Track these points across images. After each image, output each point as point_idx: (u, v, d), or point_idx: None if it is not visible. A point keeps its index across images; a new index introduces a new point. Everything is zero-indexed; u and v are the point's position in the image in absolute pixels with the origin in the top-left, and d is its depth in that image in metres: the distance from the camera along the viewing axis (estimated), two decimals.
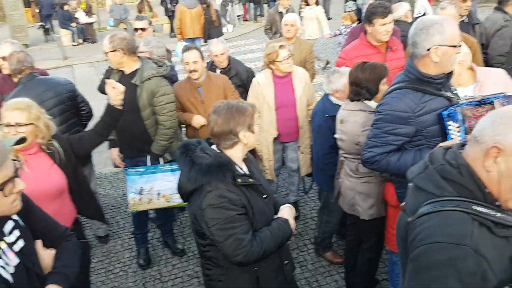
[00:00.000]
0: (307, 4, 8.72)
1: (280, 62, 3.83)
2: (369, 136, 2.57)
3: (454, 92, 2.50)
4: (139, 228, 4.08)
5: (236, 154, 2.24)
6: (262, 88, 3.99)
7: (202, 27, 9.40)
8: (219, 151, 2.22)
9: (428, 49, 2.30)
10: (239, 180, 2.12)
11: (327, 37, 8.85)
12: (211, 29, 9.59)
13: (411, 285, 1.42)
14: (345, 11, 10.02)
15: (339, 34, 8.35)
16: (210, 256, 2.25)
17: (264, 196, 2.28)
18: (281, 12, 7.63)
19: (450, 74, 2.44)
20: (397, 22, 4.81)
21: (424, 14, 7.80)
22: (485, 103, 2.35)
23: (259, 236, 2.16)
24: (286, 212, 2.36)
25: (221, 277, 2.26)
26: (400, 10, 4.79)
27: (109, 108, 2.96)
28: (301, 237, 4.29)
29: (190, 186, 2.13)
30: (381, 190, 2.98)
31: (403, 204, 1.64)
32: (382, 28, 3.64)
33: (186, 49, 3.96)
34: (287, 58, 3.84)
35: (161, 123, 3.63)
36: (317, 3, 8.66)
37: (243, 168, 2.27)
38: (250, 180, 2.19)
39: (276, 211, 2.37)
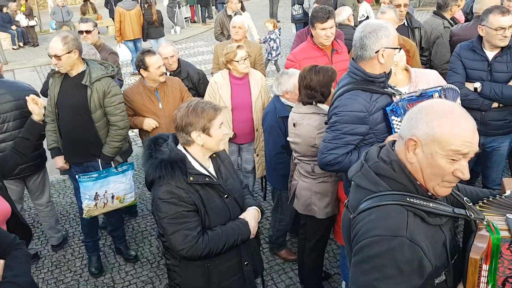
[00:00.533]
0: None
1: (237, 62, 3.88)
2: (327, 139, 2.61)
3: (394, 89, 2.66)
4: (90, 236, 3.98)
5: (195, 152, 2.28)
6: (219, 87, 4.01)
7: (141, 28, 9.54)
8: (176, 148, 2.27)
9: (377, 51, 2.45)
10: (191, 178, 2.18)
11: (257, 43, 8.88)
12: (150, 29, 9.71)
13: (355, 275, 1.50)
14: (292, 15, 10.21)
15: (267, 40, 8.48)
16: (167, 247, 2.32)
17: (226, 195, 2.32)
18: (229, 15, 7.61)
19: (389, 73, 2.62)
20: (340, 25, 5.01)
21: (367, 18, 8.14)
22: (424, 97, 2.51)
23: (209, 234, 2.23)
24: (249, 214, 2.41)
25: (175, 268, 2.36)
26: (343, 14, 4.99)
27: (31, 124, 2.91)
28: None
29: (147, 177, 2.23)
30: (336, 189, 3.10)
31: (346, 201, 1.73)
32: (322, 33, 3.75)
33: (160, 46, 4.09)
34: (244, 59, 3.89)
35: (114, 124, 3.57)
36: (243, 9, 8.38)
37: (206, 166, 2.30)
38: (207, 179, 2.24)
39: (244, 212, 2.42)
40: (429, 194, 1.53)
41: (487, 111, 3.48)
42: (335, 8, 6.07)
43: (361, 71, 2.53)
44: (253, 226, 2.37)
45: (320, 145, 2.68)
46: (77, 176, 3.62)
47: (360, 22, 8.00)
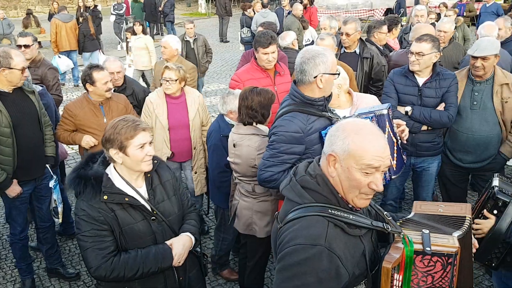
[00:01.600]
0: (134, 34, 8.49)
1: (162, 80, 3.99)
2: (265, 157, 2.71)
3: (333, 112, 2.80)
4: (23, 259, 3.78)
5: (121, 170, 2.24)
6: (154, 107, 4.02)
7: (77, 40, 10.00)
8: (99, 164, 2.24)
9: (315, 77, 2.58)
10: (105, 197, 2.14)
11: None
12: (86, 42, 10.11)
13: (278, 282, 1.58)
14: (241, 37, 10.42)
15: None
16: None
17: (153, 218, 2.26)
18: (187, 40, 7.39)
19: (329, 97, 2.74)
20: (285, 49, 5.19)
21: (312, 42, 8.46)
22: None
23: (122, 256, 2.16)
24: (178, 241, 2.33)
25: (99, 286, 2.35)
26: (288, 39, 5.18)
27: None
28: None
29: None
30: (276, 208, 3.15)
31: (276, 213, 1.81)
32: (264, 57, 3.87)
33: (106, 60, 4.07)
34: (167, 81, 3.96)
35: (48, 124, 3.70)
36: (144, 32, 8.49)
37: (135, 186, 2.25)
38: (126, 199, 2.18)
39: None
40: (350, 206, 1.65)
41: (417, 134, 3.70)
42: (282, 31, 6.27)
43: (300, 94, 2.64)
44: (179, 254, 2.29)
45: (260, 162, 2.75)
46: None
47: (306, 45, 8.31)
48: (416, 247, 1.63)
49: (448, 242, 1.71)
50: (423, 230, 1.71)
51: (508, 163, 5.72)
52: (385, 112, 2.71)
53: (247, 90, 3.10)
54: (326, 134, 2.61)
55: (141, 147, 2.17)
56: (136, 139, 2.16)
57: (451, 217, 1.89)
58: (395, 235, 1.67)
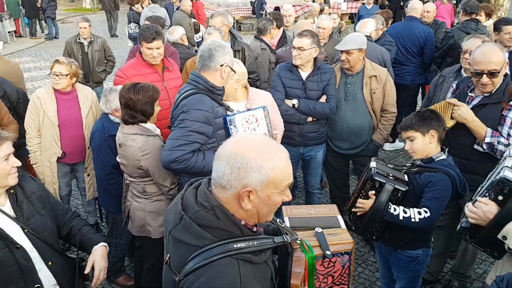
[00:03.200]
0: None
1: (51, 74, 3.76)
2: (175, 136, 2.64)
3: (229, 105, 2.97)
4: None
5: None
6: (42, 102, 3.75)
7: None
8: None
9: (221, 65, 2.71)
10: None
11: None
12: None
13: None
14: (129, 33, 10.01)
15: None
16: None
17: (17, 246, 2.02)
18: (81, 43, 6.39)
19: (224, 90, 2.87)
20: (175, 44, 5.09)
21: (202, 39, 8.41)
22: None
23: None
24: (97, 255, 2.24)
25: None
26: (175, 34, 5.08)
27: None
28: None
29: None
30: None
31: (167, 257, 1.55)
32: (148, 52, 3.76)
33: None
34: (57, 75, 3.73)
35: None
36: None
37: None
38: None
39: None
40: (254, 230, 1.50)
41: (303, 125, 3.90)
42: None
43: (204, 79, 2.72)
44: (103, 267, 2.21)
45: (167, 143, 2.67)
46: None
47: (198, 43, 8.25)
48: (316, 252, 1.65)
49: (342, 238, 1.78)
50: (316, 229, 1.74)
51: (384, 147, 6.34)
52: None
53: (125, 87, 2.94)
54: (228, 120, 2.78)
55: (6, 159, 1.96)
56: (1, 151, 1.94)
57: (323, 218, 1.97)
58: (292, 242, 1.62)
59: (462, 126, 3.01)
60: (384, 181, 2.56)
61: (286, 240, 1.56)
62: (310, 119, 3.89)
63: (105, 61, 6.54)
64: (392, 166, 2.79)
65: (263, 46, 4.99)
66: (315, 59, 3.85)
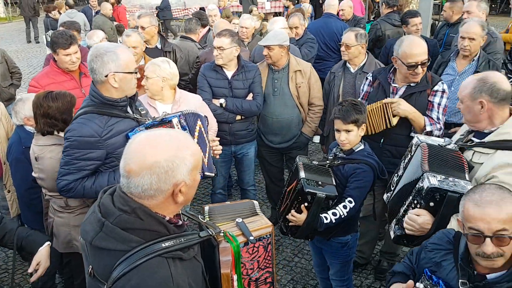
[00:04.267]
0: None
1: None
2: (61, 164, 2.49)
3: (142, 113, 2.66)
4: None
5: None
6: None
7: None
8: None
9: (106, 76, 2.41)
10: None
11: None
12: None
13: None
14: (47, 41, 9.49)
15: None
16: None
17: None
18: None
19: (134, 97, 2.61)
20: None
21: None
22: (165, 122, 2.59)
23: None
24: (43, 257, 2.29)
25: None
26: (95, 38, 4.87)
27: None
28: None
29: None
30: None
31: (89, 268, 1.48)
32: (67, 58, 3.59)
33: None
34: None
35: None
36: None
37: None
38: None
39: None
40: (179, 224, 1.51)
41: (233, 123, 3.93)
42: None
43: (99, 94, 2.47)
44: (46, 267, 2.26)
45: (58, 170, 2.52)
46: None
47: None
48: (240, 240, 1.68)
49: (262, 223, 1.82)
50: (236, 219, 1.77)
51: (314, 140, 6.54)
52: (200, 113, 2.76)
53: (40, 96, 2.78)
54: (132, 136, 2.51)
55: None
56: None
57: (242, 210, 1.98)
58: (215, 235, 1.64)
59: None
60: (315, 192, 2.57)
61: (211, 233, 1.61)
62: (238, 117, 3.92)
63: (10, 74, 5.79)
64: (317, 162, 2.85)
65: (197, 45, 5.06)
66: (239, 57, 3.89)
